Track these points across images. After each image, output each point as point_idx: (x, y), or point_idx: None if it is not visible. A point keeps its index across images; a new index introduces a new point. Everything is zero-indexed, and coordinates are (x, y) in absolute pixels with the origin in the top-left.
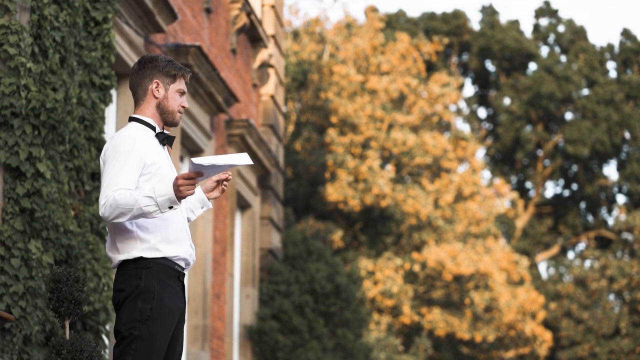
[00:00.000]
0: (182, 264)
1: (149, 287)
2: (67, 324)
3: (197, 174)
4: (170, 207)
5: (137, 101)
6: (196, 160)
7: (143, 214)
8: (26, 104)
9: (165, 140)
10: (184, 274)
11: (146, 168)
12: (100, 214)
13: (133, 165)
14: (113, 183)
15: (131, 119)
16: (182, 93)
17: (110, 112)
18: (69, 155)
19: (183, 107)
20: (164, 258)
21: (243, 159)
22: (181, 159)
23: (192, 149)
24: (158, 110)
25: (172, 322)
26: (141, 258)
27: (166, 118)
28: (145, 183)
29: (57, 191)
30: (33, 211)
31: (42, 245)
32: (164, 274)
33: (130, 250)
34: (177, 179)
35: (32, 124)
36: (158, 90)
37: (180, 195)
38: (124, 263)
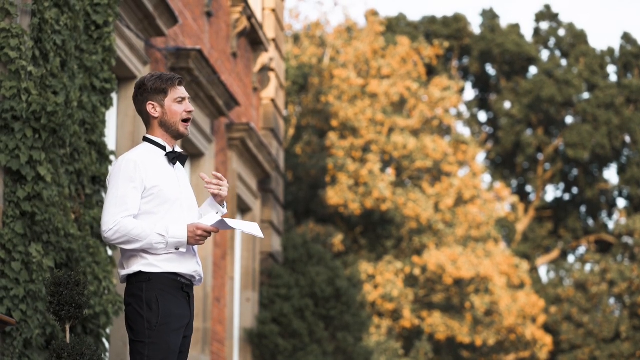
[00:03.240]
0: (187, 277)
1: (151, 297)
2: (67, 327)
3: (217, 230)
4: (177, 249)
5: (145, 124)
6: (228, 221)
7: (150, 248)
8: (27, 108)
9: (175, 159)
10: (188, 286)
11: (147, 191)
12: (104, 234)
13: (136, 188)
14: (122, 207)
15: (144, 139)
16: (181, 100)
17: (111, 116)
18: (70, 159)
19: (189, 112)
20: (166, 272)
21: (257, 231)
22: None
23: (192, 153)
24: (163, 128)
25: (180, 327)
26: (141, 272)
27: (171, 132)
28: (146, 205)
29: (58, 195)
30: (34, 214)
31: (43, 249)
32: (164, 286)
33: (132, 266)
34: (197, 228)
35: (33, 128)
36: (155, 110)
37: (193, 243)
38: (128, 278)
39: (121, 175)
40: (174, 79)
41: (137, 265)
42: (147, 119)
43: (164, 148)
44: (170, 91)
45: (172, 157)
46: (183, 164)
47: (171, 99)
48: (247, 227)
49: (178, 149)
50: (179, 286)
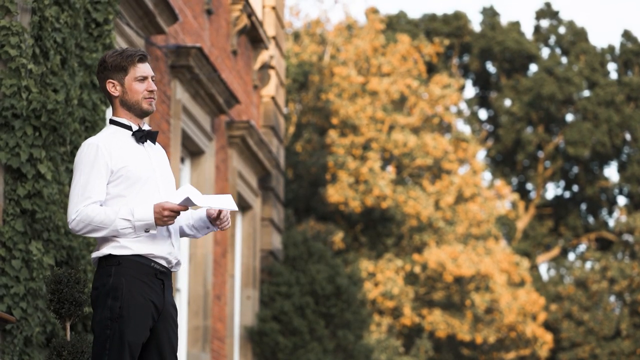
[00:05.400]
0: (162, 262)
1: (117, 284)
2: (68, 325)
3: (185, 208)
4: (147, 231)
5: (110, 104)
6: (193, 198)
7: (118, 235)
8: (27, 105)
9: (143, 138)
10: (163, 272)
11: (114, 174)
12: (70, 226)
13: (100, 173)
14: (84, 196)
15: (110, 121)
16: (142, 79)
17: (110, 116)
18: (70, 157)
19: (150, 91)
20: (137, 255)
21: (230, 204)
22: (182, 160)
23: (192, 150)
24: (125, 108)
25: (145, 319)
26: (110, 255)
27: (134, 111)
28: (115, 188)
29: (58, 192)
30: (34, 212)
31: (43, 247)
32: (135, 271)
33: (102, 248)
34: (163, 208)
35: (33, 125)
36: (116, 88)
37: (161, 224)
38: (99, 261)
39: (83, 161)
40: (134, 56)
41: (108, 248)
42: (109, 97)
43: (130, 128)
44: (131, 69)
45: (140, 136)
46: (154, 141)
47: (132, 77)
48: (218, 203)
49: (146, 127)
50: (153, 272)
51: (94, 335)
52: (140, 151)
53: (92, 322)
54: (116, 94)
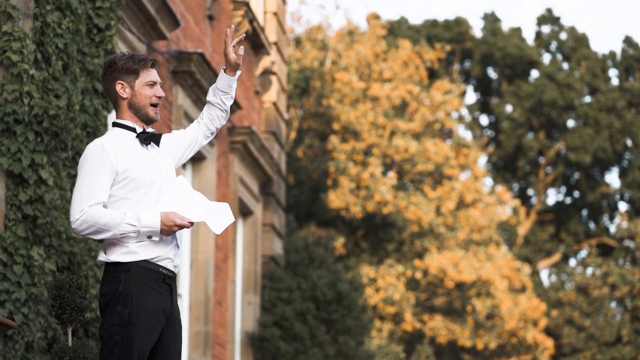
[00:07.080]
0: (169, 265)
1: (127, 291)
2: (69, 330)
3: (192, 224)
4: (149, 237)
5: (114, 106)
6: (195, 217)
7: (121, 238)
8: (29, 111)
9: (147, 140)
10: (170, 277)
11: (119, 175)
12: (72, 226)
13: (105, 174)
14: (88, 196)
15: (113, 124)
16: (152, 84)
17: (113, 119)
18: (72, 162)
19: (158, 97)
20: (145, 261)
21: (222, 220)
22: (183, 165)
23: (194, 156)
24: (132, 111)
25: (154, 325)
26: (119, 262)
27: (140, 115)
28: (120, 190)
29: (60, 198)
30: (35, 218)
31: (45, 252)
32: (144, 277)
33: (110, 254)
34: (175, 224)
35: (35, 131)
36: (124, 90)
37: (165, 234)
38: (107, 267)
39: (88, 161)
40: (147, 61)
41: (115, 255)
42: (115, 99)
43: (134, 130)
44: (142, 73)
45: (144, 138)
46: (157, 143)
47: (142, 81)
48: (213, 219)
49: (150, 129)
50: (161, 278)
51: (101, 341)
52: (144, 154)
53: (99, 328)
54: (125, 96)
